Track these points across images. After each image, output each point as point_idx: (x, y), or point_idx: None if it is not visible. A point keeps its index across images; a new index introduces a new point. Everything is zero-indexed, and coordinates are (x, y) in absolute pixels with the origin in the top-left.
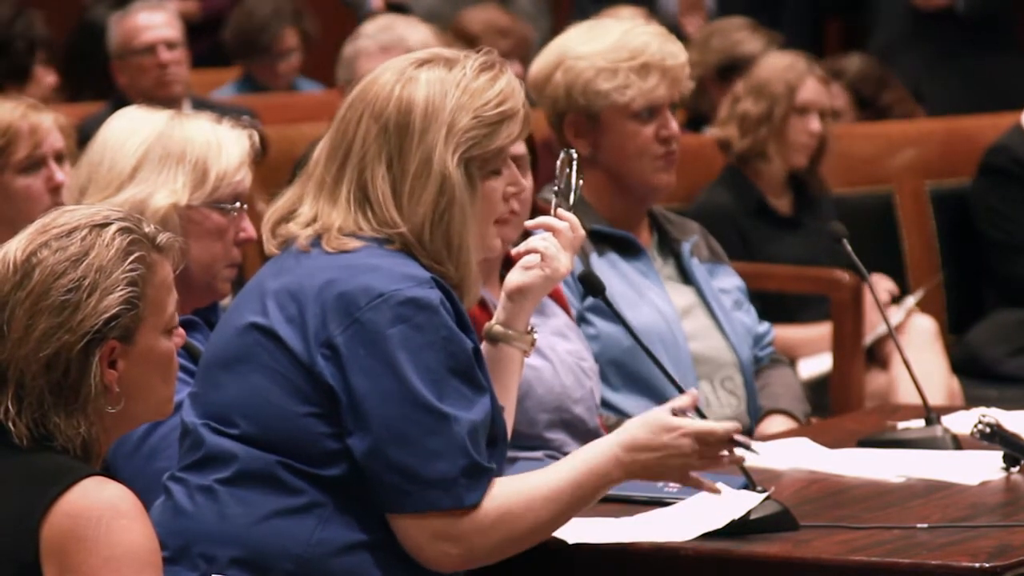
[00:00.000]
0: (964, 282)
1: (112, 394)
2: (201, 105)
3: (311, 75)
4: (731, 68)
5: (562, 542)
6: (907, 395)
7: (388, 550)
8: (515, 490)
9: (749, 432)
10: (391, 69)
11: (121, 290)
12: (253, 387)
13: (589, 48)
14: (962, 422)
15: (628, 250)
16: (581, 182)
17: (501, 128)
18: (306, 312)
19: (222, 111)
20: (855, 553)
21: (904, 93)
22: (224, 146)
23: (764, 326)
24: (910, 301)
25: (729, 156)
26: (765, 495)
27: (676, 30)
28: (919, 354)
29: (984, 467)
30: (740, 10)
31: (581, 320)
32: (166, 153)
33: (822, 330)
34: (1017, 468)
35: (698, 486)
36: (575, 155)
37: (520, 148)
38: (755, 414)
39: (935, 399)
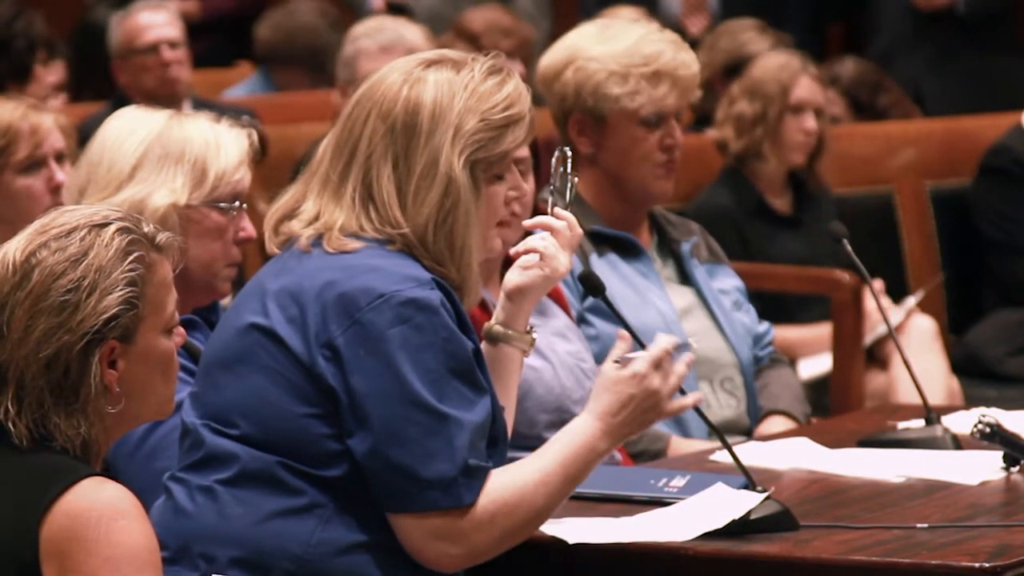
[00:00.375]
0: (964, 282)
1: (112, 394)
2: (202, 105)
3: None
4: (738, 69)
5: (562, 542)
6: (907, 395)
7: (388, 550)
8: (506, 481)
9: (749, 432)
10: (398, 69)
11: (121, 290)
12: (253, 387)
13: (602, 50)
14: (962, 422)
15: (628, 251)
16: (576, 179)
17: (507, 132)
18: (307, 313)
19: (221, 111)
20: (855, 553)
21: (901, 95)
22: (223, 145)
23: (764, 326)
24: (910, 301)
25: (727, 157)
26: (765, 495)
27: (678, 31)
28: (919, 354)
29: (984, 467)
30: (743, 12)
31: (581, 321)
32: (165, 153)
33: (822, 330)
34: (1017, 468)
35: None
36: (569, 153)
37: (523, 151)
38: (755, 414)
39: (935, 399)
